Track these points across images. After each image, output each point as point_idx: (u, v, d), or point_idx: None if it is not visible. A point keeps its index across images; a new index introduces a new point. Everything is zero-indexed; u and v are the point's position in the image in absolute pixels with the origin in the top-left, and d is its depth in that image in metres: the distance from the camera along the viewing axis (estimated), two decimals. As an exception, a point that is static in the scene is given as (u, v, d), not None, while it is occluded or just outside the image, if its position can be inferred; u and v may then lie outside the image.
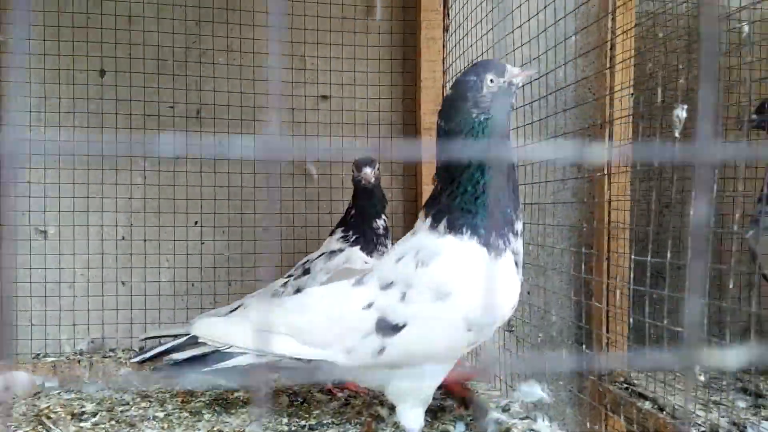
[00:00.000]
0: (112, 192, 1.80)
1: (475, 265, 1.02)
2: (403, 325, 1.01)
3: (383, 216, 1.64)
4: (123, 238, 1.82)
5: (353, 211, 1.63)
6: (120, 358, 1.69)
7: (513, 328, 1.63)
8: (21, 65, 1.73)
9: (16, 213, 1.77)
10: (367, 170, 1.59)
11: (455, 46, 1.82)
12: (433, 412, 1.37)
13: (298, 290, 1.55)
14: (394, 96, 1.97)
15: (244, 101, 1.87)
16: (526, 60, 1.57)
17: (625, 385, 1.74)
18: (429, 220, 1.08)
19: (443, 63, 1.88)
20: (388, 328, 1.02)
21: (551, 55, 1.51)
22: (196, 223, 1.85)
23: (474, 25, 1.72)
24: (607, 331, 1.77)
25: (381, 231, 1.61)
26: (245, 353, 1.10)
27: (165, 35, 1.81)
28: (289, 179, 1.91)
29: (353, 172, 1.62)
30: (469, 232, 1.03)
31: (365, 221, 1.61)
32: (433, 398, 1.48)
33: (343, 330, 1.05)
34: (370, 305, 1.04)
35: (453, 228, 1.04)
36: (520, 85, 1.09)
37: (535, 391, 1.18)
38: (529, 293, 1.76)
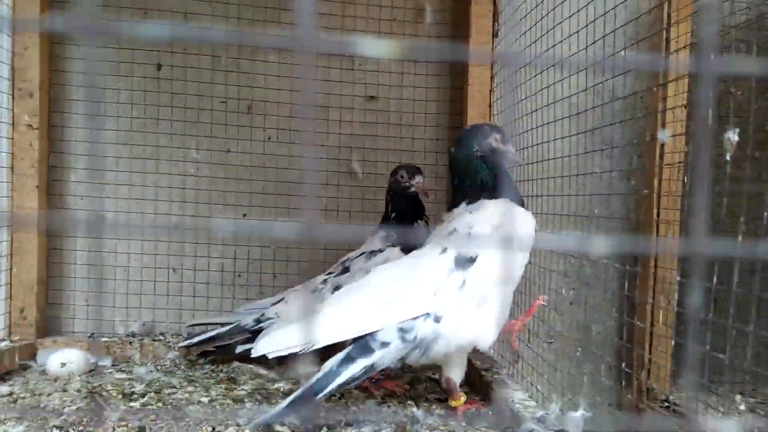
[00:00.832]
0: (167, 182, 1.87)
1: (510, 208, 1.32)
2: (476, 257, 1.25)
3: (424, 218, 1.67)
4: (176, 227, 1.89)
5: (393, 214, 1.66)
6: (169, 342, 1.76)
7: (552, 340, 1.64)
8: (85, 57, 1.81)
9: (76, 197, 1.86)
10: (420, 179, 1.65)
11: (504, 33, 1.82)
12: (470, 418, 1.40)
13: (336, 288, 1.59)
14: (441, 99, 1.98)
15: (293, 98, 1.91)
16: (574, 70, 1.56)
17: (666, 404, 1.73)
18: (463, 204, 1.36)
19: (491, 69, 1.88)
20: (464, 261, 1.25)
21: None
22: (244, 215, 1.91)
23: (523, 33, 1.72)
24: (650, 352, 1.76)
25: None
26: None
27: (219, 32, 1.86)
28: (335, 177, 1.95)
29: (401, 178, 1.65)
30: (499, 196, 1.34)
31: (406, 224, 1.64)
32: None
33: (428, 277, 1.25)
34: (444, 250, 1.28)
35: (487, 198, 1.34)
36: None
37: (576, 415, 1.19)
38: (571, 304, 1.76)
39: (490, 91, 1.87)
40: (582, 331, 1.78)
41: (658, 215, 1.84)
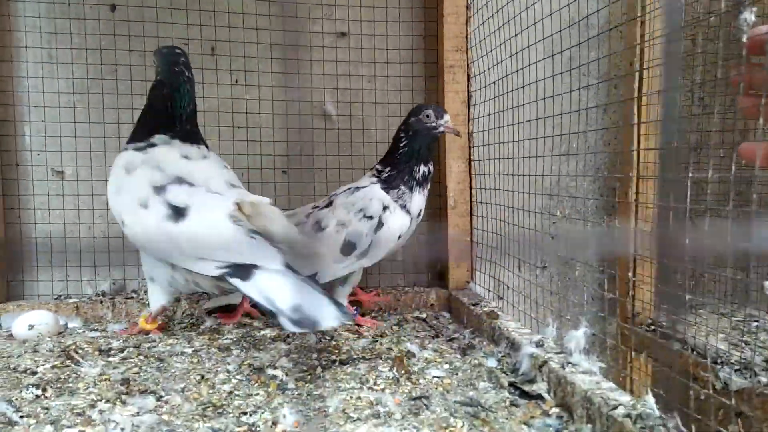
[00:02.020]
0: (128, 131, 1.76)
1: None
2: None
3: (430, 164, 1.60)
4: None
5: (402, 150, 1.58)
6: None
7: (546, 264, 1.61)
8: (31, -1, 1.67)
9: (32, 153, 1.73)
10: (448, 118, 1.58)
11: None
12: (462, 350, 1.37)
13: (317, 222, 1.54)
14: (415, 33, 1.90)
15: (260, 38, 1.81)
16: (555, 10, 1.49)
17: (653, 328, 1.74)
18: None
19: (466, -2, 1.81)
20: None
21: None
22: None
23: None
24: (634, 275, 1.76)
25: (419, 177, 1.58)
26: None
27: (176, -33, 1.74)
28: (308, 120, 1.86)
29: (426, 117, 1.56)
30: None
31: (410, 163, 1.57)
32: (464, 336, 1.48)
33: None
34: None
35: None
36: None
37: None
38: (552, 238, 1.74)
39: (466, 21, 1.80)
40: (565, 263, 1.76)
41: (638, 144, 1.82)
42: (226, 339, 1.43)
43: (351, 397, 1.08)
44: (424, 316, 1.74)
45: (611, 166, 1.92)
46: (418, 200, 1.58)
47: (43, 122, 1.71)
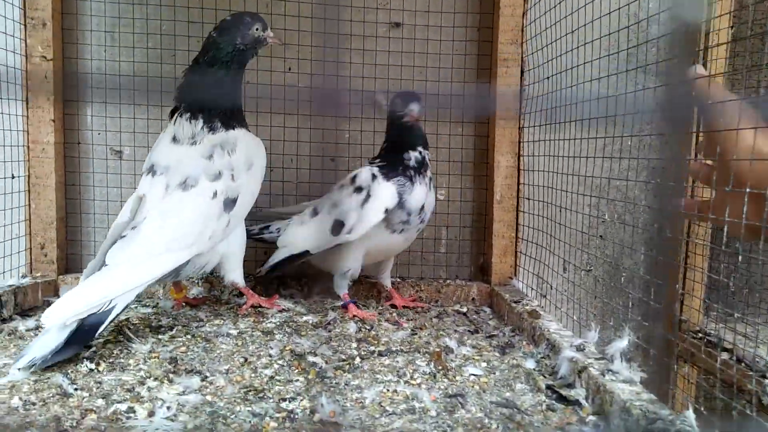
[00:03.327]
0: (184, 115, 1.81)
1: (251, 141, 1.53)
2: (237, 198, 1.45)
3: (419, 148, 1.59)
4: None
5: (386, 144, 1.62)
6: (192, 277, 1.73)
7: (591, 268, 1.59)
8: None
9: (93, 132, 1.81)
10: (415, 107, 1.53)
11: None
12: (502, 348, 1.37)
13: (314, 210, 1.64)
14: (470, 24, 1.88)
15: (315, 26, 1.82)
16: (615, 8, 1.44)
17: (699, 336, 1.70)
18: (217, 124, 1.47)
19: (524, -12, 1.77)
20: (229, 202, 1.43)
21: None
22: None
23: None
24: (683, 285, 1.71)
25: (412, 163, 1.57)
26: None
27: (238, -46, 1.76)
28: (358, 109, 1.87)
29: (395, 105, 1.57)
30: (243, 124, 1.52)
31: (396, 152, 1.58)
32: (503, 333, 1.48)
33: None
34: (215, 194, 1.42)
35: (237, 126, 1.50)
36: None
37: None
38: (602, 237, 1.71)
39: (523, 14, 1.76)
40: (612, 265, 1.73)
41: (697, 140, 1.76)
42: (270, 323, 1.47)
43: (388, 390, 1.09)
44: (464, 310, 1.74)
45: (665, 171, 1.86)
46: (419, 193, 1.57)
47: (104, 103, 1.78)
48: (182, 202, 1.34)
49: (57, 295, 1.70)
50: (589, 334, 1.27)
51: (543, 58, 1.68)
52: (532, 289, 1.70)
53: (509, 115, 1.79)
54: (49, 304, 1.21)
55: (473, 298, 1.84)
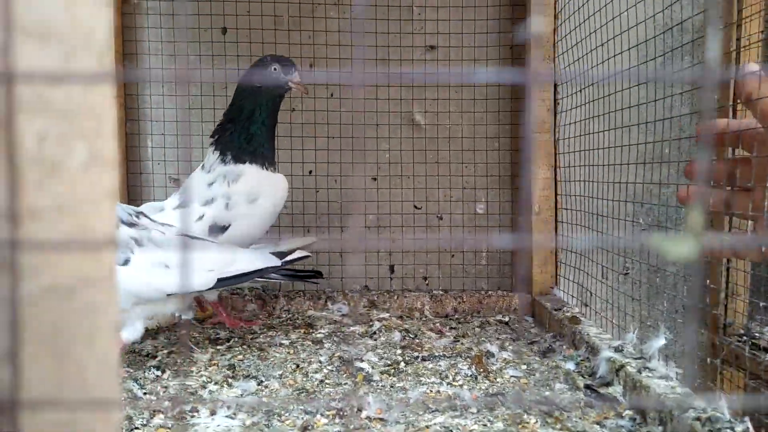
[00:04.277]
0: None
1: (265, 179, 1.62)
2: (229, 225, 1.56)
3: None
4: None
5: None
6: (246, 295, 1.84)
7: (628, 271, 1.61)
8: (154, 26, 1.89)
9: (153, 162, 1.95)
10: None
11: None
12: (542, 353, 1.41)
13: None
14: (503, 44, 1.96)
15: (354, 54, 1.93)
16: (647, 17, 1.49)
17: (745, 338, 1.69)
18: (228, 157, 1.61)
19: (554, 7, 1.83)
20: (218, 229, 1.54)
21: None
22: (310, 172, 1.96)
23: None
24: (727, 284, 1.71)
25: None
26: None
27: (281, -9, 1.90)
28: (397, 129, 1.96)
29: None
30: (256, 160, 1.61)
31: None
32: (544, 339, 1.51)
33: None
34: (201, 217, 1.54)
35: (248, 161, 1.60)
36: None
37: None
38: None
39: (554, 30, 1.83)
40: (652, 270, 1.74)
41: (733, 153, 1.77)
42: (320, 333, 1.55)
43: (431, 391, 1.16)
44: (506, 319, 1.78)
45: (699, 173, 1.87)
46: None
47: (162, 135, 1.92)
48: (171, 220, 1.44)
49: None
50: (628, 336, 1.29)
51: (575, 71, 1.73)
52: (573, 297, 1.73)
53: (543, 128, 1.84)
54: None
55: (515, 308, 1.87)
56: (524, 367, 1.30)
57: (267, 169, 1.61)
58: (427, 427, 0.99)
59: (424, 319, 1.77)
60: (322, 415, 1.04)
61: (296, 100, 1.92)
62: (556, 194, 1.86)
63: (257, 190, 1.58)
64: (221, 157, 1.59)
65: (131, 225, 1.25)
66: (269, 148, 1.62)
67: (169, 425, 1.00)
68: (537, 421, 1.02)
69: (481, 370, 1.27)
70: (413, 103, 1.96)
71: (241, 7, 1.90)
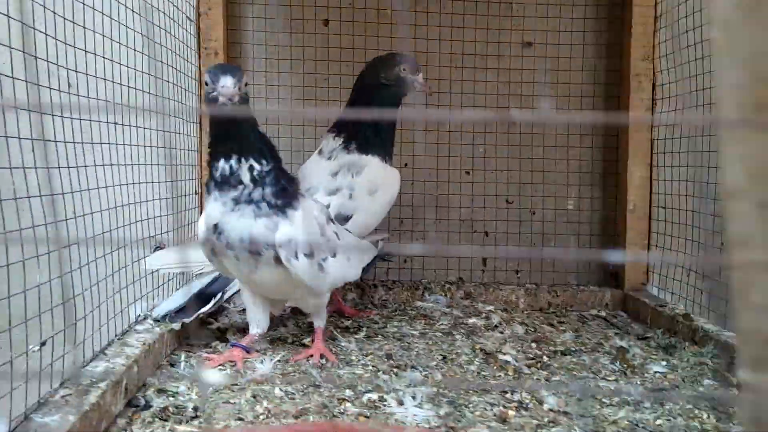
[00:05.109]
0: (335, 134, 1.96)
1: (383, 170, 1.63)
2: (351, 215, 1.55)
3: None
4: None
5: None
6: (346, 285, 1.86)
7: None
8: (258, 15, 1.90)
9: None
10: (228, 81, 1.09)
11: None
12: (664, 348, 1.46)
13: None
14: (600, 42, 1.99)
15: (454, 49, 1.95)
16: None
17: None
18: (352, 146, 1.61)
19: (655, 9, 1.87)
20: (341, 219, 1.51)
21: None
22: (406, 165, 1.98)
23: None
24: None
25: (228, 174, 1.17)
26: None
27: (385, -16, 1.91)
28: (492, 124, 1.99)
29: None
30: (378, 152, 1.61)
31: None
32: (657, 335, 1.56)
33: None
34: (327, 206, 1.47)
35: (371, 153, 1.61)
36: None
37: None
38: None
39: (654, 32, 1.86)
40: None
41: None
42: (442, 324, 1.59)
43: (591, 386, 1.20)
44: (603, 314, 1.83)
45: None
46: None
47: (265, 125, 1.93)
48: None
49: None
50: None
51: (675, 75, 1.78)
52: (672, 293, 1.78)
53: (641, 127, 1.88)
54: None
55: (606, 303, 1.92)
56: (663, 363, 1.34)
57: (386, 162, 1.64)
58: (615, 422, 1.04)
59: (528, 311, 1.81)
60: (505, 407, 1.08)
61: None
62: (650, 192, 1.90)
63: (377, 183, 1.61)
64: (344, 144, 1.61)
65: (332, 221, 1.29)
66: (391, 143, 1.64)
67: (367, 413, 1.04)
68: (709, 416, 1.07)
69: (626, 365, 1.32)
70: (509, 98, 1.98)
71: (345, 0, 1.91)
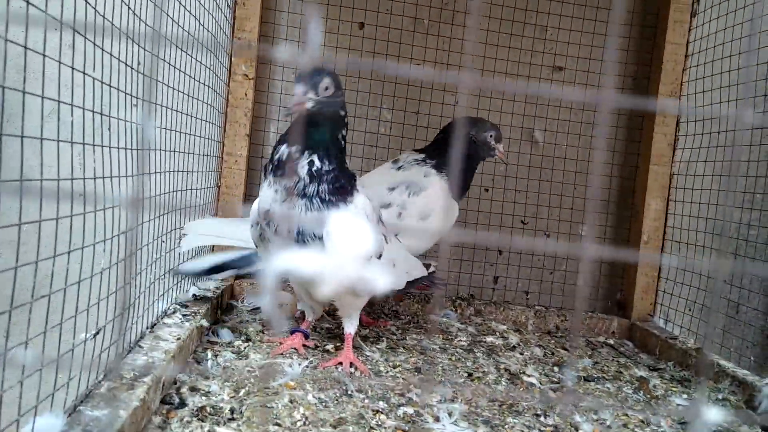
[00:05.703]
0: (359, 139, 1.94)
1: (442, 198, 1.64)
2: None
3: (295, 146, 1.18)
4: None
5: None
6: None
7: (738, 302, 1.69)
8: (294, 11, 1.87)
9: (276, 148, 1.93)
10: (298, 89, 1.12)
11: (699, 28, 1.85)
12: (679, 381, 1.47)
13: None
14: (627, 74, 2.01)
15: (486, 65, 1.95)
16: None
17: None
18: (426, 163, 1.66)
19: (686, 48, 1.90)
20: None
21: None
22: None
23: (724, 14, 1.74)
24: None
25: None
26: None
27: (423, -6, 1.91)
28: (516, 144, 2.00)
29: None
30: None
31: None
32: (668, 367, 1.57)
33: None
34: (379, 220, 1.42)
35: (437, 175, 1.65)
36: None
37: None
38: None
39: (683, 70, 1.89)
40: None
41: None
42: (461, 340, 1.58)
43: (619, 413, 1.20)
44: (611, 342, 1.85)
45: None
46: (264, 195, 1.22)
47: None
48: None
49: (234, 297, 1.81)
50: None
51: (700, 114, 1.82)
52: (680, 326, 1.80)
53: (661, 161, 1.91)
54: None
55: (613, 332, 1.94)
56: (684, 396, 1.35)
57: (451, 193, 1.64)
58: (651, 452, 1.04)
59: (539, 334, 1.81)
60: (540, 430, 1.07)
61: (423, 104, 1.94)
62: (665, 225, 1.93)
63: (432, 209, 1.60)
64: (423, 158, 1.65)
65: (381, 222, 1.27)
66: (464, 183, 1.69)
67: (406, 428, 1.02)
68: (739, 454, 1.08)
69: (649, 395, 1.32)
70: (535, 120, 1.99)
71: (382, 5, 1.90)
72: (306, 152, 1.15)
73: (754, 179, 1.76)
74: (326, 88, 1.13)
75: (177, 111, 1.32)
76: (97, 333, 0.83)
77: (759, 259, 1.95)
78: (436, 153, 1.65)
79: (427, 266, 1.55)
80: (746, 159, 1.74)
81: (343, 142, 1.20)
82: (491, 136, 1.66)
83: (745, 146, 1.72)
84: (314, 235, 1.14)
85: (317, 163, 1.15)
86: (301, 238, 1.16)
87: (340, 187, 1.16)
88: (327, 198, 1.15)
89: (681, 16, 1.89)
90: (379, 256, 1.23)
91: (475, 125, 1.67)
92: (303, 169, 1.15)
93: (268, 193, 1.17)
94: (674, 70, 1.91)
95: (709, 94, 1.77)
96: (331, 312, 1.58)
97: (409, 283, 1.41)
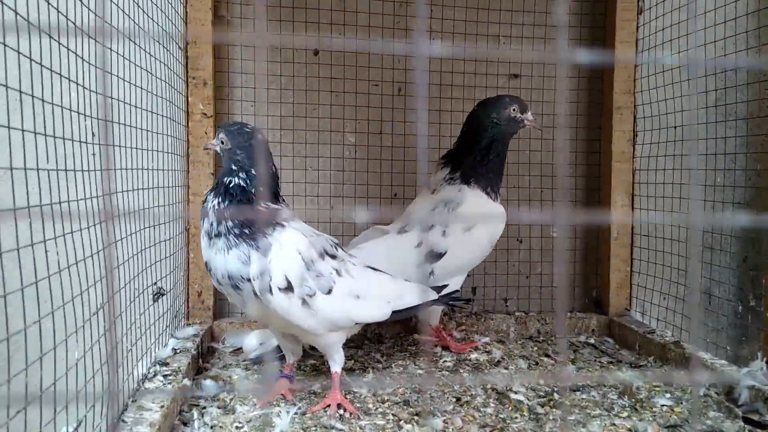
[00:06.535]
0: (325, 165, 1.93)
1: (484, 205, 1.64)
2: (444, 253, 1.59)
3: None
4: (331, 207, 1.96)
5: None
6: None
7: (709, 292, 1.74)
8: (248, 44, 1.85)
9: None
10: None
11: (646, 26, 1.89)
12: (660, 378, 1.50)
13: None
14: (581, 75, 2.04)
15: (443, 80, 1.96)
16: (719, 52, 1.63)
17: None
18: (457, 181, 1.67)
19: (636, 45, 1.94)
20: (434, 256, 1.57)
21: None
22: (395, 195, 1.98)
23: (669, 11, 1.79)
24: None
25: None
26: None
27: (374, 16, 1.90)
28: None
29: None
30: (479, 185, 1.65)
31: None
32: (649, 363, 1.60)
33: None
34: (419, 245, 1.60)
35: (471, 185, 1.65)
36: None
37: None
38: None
39: (634, 68, 1.93)
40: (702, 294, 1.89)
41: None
42: (446, 361, 1.59)
43: (606, 423, 1.22)
44: (592, 341, 1.88)
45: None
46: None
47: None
48: (395, 247, 1.49)
49: (214, 340, 1.78)
50: (755, 363, 1.41)
51: (655, 110, 1.86)
52: (657, 319, 1.84)
53: (623, 157, 1.95)
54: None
55: (593, 330, 1.97)
56: (668, 395, 1.39)
57: (489, 195, 1.64)
58: (642, 463, 1.06)
59: (521, 341, 1.83)
60: (535, 455, 1.09)
61: (385, 124, 1.94)
62: (633, 221, 1.97)
63: (473, 219, 1.61)
64: (450, 175, 1.65)
65: (333, 257, 1.26)
66: (498, 177, 1.66)
67: (401, 471, 1.02)
68: (725, 453, 1.11)
69: (633, 399, 1.35)
70: (496, 129, 2.01)
71: (335, 30, 1.90)
72: (210, 194, 1.25)
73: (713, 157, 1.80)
74: (222, 142, 1.24)
75: (138, 169, 1.30)
76: (78, 426, 0.81)
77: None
78: (460, 163, 1.64)
79: (440, 288, 1.53)
80: (703, 152, 1.78)
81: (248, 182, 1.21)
82: (514, 109, 1.62)
83: (701, 140, 1.77)
84: (243, 278, 1.17)
85: (219, 201, 1.21)
86: (234, 282, 1.19)
87: (246, 221, 1.18)
88: (239, 232, 1.17)
89: (627, 15, 1.93)
90: (329, 292, 1.22)
91: (494, 106, 1.63)
92: (211, 212, 1.21)
93: (204, 243, 1.23)
94: (626, 68, 1.94)
95: (663, 92, 1.81)
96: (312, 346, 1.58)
97: (410, 308, 1.39)
